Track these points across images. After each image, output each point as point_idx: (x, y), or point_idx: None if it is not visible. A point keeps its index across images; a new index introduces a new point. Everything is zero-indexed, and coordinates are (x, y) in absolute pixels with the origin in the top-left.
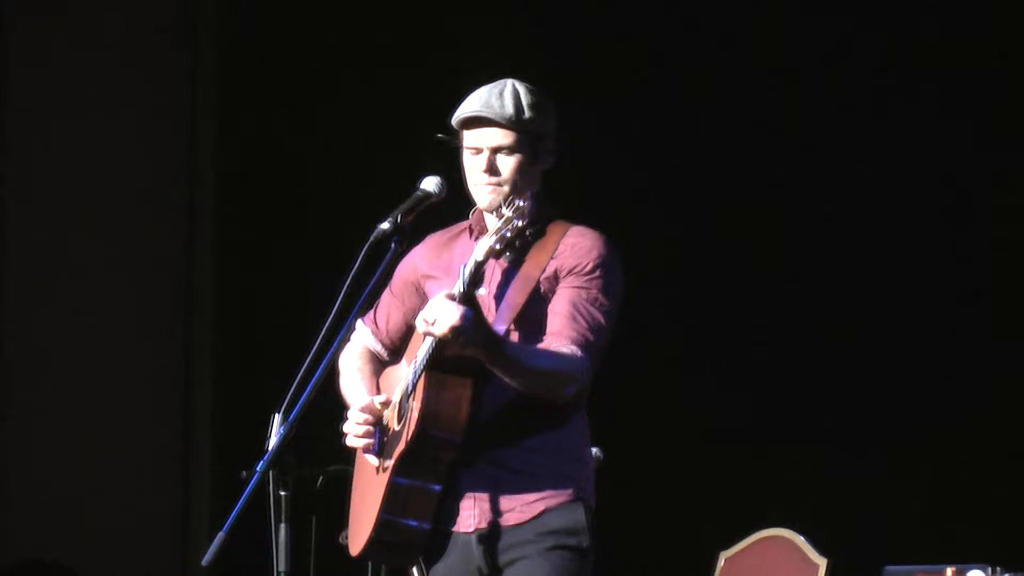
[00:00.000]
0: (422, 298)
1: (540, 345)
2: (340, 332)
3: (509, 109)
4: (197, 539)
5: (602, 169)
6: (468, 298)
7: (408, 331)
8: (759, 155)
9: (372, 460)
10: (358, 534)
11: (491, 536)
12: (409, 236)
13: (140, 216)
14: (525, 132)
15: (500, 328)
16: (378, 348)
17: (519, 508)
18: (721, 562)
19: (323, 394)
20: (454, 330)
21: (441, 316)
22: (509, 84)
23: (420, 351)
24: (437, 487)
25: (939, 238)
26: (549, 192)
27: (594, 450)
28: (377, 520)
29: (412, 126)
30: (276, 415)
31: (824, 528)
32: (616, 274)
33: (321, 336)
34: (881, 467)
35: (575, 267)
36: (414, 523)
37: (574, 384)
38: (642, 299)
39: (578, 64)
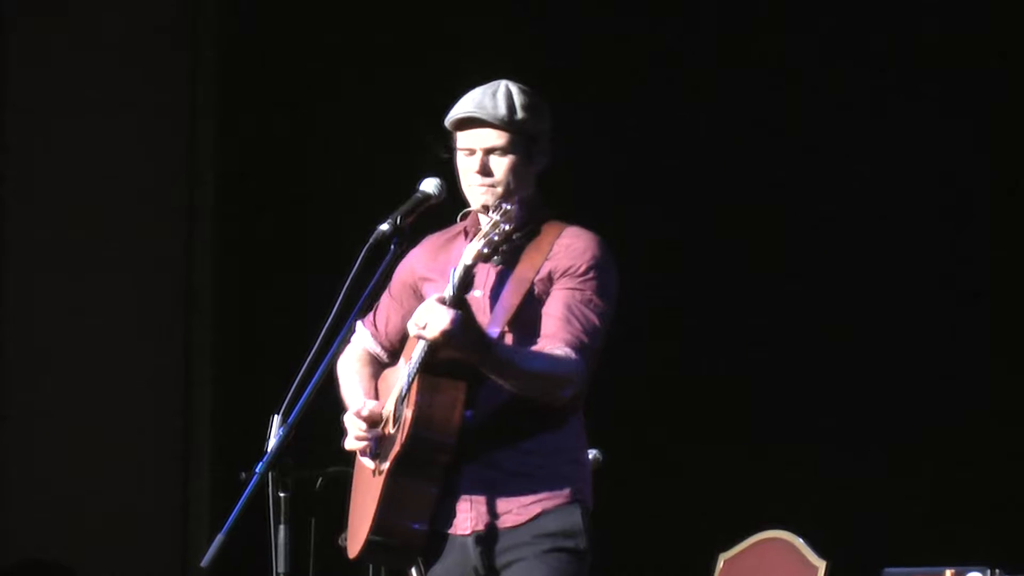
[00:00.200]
0: (420, 300)
1: (534, 347)
2: (340, 334)
3: (502, 110)
4: (196, 540)
5: (602, 169)
6: (458, 302)
7: (407, 333)
8: (759, 155)
9: (368, 463)
10: (356, 536)
11: (488, 538)
12: (409, 238)
13: (140, 216)
14: (518, 133)
15: (494, 330)
16: (377, 350)
17: (516, 510)
18: (720, 564)
19: (322, 396)
20: (445, 334)
21: (432, 320)
22: (503, 85)
23: (414, 354)
24: (433, 489)
25: (939, 238)
26: (549, 192)
27: (593, 451)
28: (374, 522)
29: (412, 126)
30: (275, 416)
31: (823, 530)
32: (611, 275)
33: (320, 338)
34: (880, 468)
35: (569, 268)
36: (411, 525)
37: (569, 387)
38: (641, 299)
39: (578, 64)
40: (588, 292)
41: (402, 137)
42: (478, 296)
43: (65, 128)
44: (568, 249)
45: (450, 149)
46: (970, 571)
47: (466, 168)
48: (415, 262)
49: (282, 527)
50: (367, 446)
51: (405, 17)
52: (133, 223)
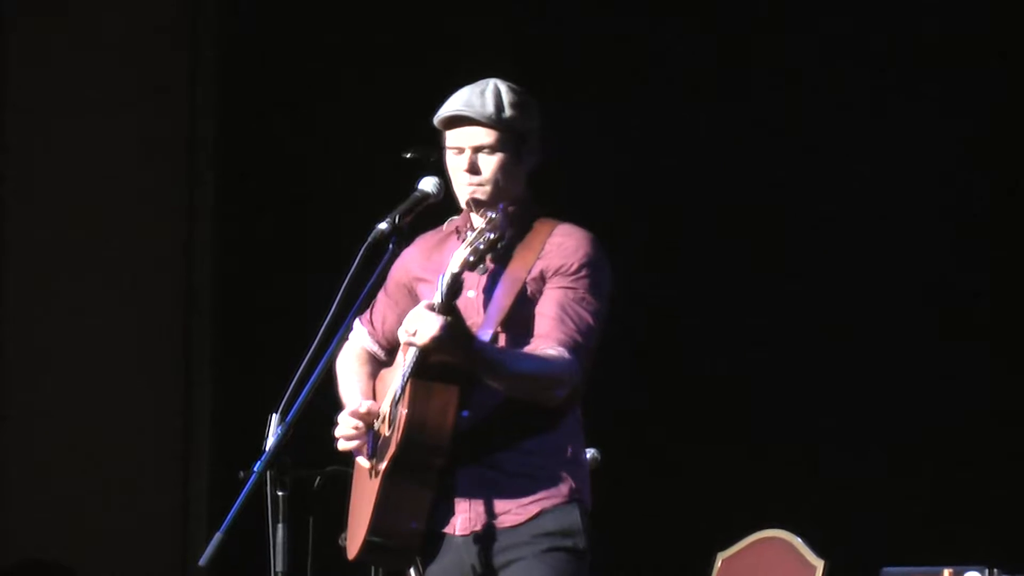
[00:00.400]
0: (415, 300)
1: (527, 348)
2: (338, 332)
3: (490, 107)
4: (196, 539)
5: (601, 169)
6: (447, 308)
7: None
8: (759, 155)
9: (364, 463)
10: (355, 537)
11: (486, 537)
12: (407, 237)
13: (140, 216)
14: (507, 131)
15: (488, 331)
16: (375, 348)
17: (515, 510)
18: (718, 563)
19: (321, 394)
20: (435, 340)
21: (421, 327)
22: (491, 83)
23: (406, 359)
24: (428, 491)
25: (939, 238)
26: (551, 193)
27: (591, 451)
28: (371, 523)
29: (412, 126)
30: (273, 415)
31: (822, 529)
32: (603, 273)
33: (319, 336)
34: (879, 468)
35: (561, 267)
36: (407, 526)
37: (563, 387)
38: (641, 299)
39: (578, 64)
40: (581, 290)
41: (402, 137)
42: (471, 297)
43: (65, 128)
44: (560, 247)
45: (439, 152)
46: (968, 570)
47: (455, 167)
48: (409, 262)
49: (280, 526)
50: (361, 446)
51: (405, 17)
52: (133, 223)
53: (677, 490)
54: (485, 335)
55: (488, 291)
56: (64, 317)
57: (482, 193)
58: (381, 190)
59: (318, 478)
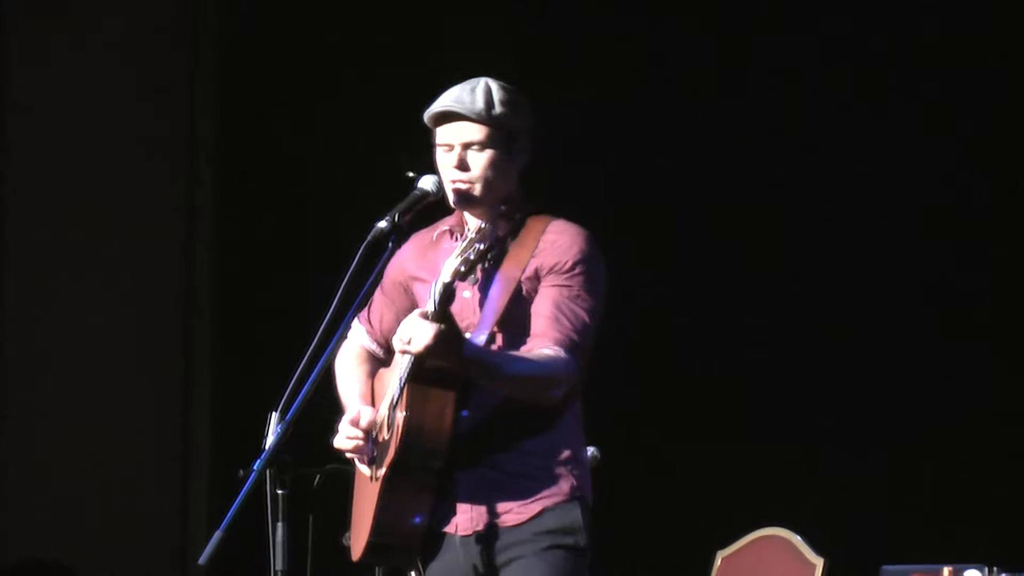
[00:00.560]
0: (411, 298)
1: (524, 348)
2: (337, 331)
3: (479, 104)
4: (196, 539)
5: (601, 168)
6: (441, 316)
7: None
8: (758, 155)
9: (365, 469)
10: (358, 539)
11: (488, 536)
12: (406, 235)
13: (140, 216)
14: (496, 127)
15: (484, 331)
16: (373, 347)
17: (517, 509)
18: (718, 561)
19: (320, 393)
20: (429, 348)
21: (416, 335)
22: (482, 81)
23: (403, 364)
24: (428, 493)
25: (939, 238)
26: (543, 190)
27: (591, 449)
28: (373, 526)
29: (412, 126)
30: (273, 414)
31: (821, 527)
32: (598, 269)
33: (318, 335)
34: (879, 467)
35: (555, 265)
36: (408, 528)
37: (559, 387)
38: (640, 298)
39: (578, 64)
40: (576, 288)
41: (402, 137)
42: (467, 297)
43: (65, 128)
44: (554, 245)
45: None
46: (968, 569)
47: (444, 164)
48: (405, 261)
49: (280, 524)
50: (360, 452)
51: (405, 17)
52: (133, 223)
53: (677, 489)
54: (481, 335)
55: (484, 290)
56: (64, 317)
57: (471, 190)
58: (381, 190)
59: (318, 476)
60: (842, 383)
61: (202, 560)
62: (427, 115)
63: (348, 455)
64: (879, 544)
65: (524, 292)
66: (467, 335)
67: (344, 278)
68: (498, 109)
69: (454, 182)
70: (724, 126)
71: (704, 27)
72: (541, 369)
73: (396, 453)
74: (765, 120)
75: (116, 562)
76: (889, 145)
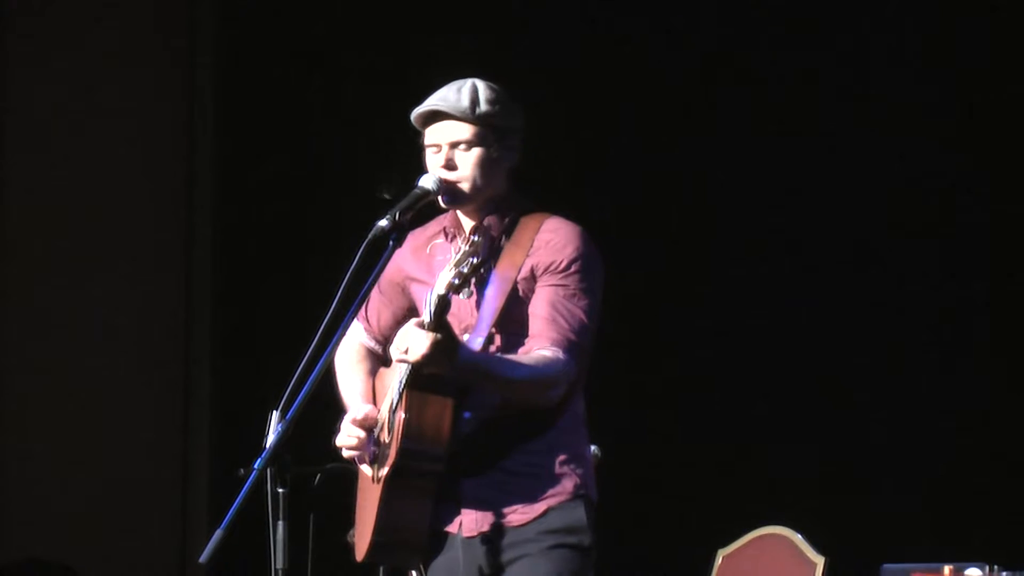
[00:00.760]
0: (408, 298)
1: (522, 349)
2: (338, 330)
3: (465, 102)
4: (196, 537)
5: (601, 169)
6: (437, 326)
7: (399, 328)
8: (758, 155)
9: (366, 470)
10: (361, 539)
11: (493, 537)
12: (407, 234)
13: (140, 216)
14: (484, 126)
15: (482, 332)
16: (372, 344)
17: (521, 509)
18: (719, 560)
19: (321, 392)
20: (425, 358)
21: (412, 344)
22: (469, 81)
23: (401, 368)
24: (430, 495)
25: (938, 237)
26: (547, 189)
27: (592, 448)
28: (375, 527)
29: (412, 127)
30: (273, 413)
31: (822, 526)
32: (594, 267)
33: (319, 334)
34: (880, 465)
35: (551, 265)
36: (410, 529)
37: (557, 388)
38: (641, 297)
39: (578, 64)
40: (572, 287)
41: (402, 137)
42: (464, 298)
43: (65, 129)
44: (548, 245)
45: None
46: (969, 567)
47: (433, 164)
48: (402, 261)
49: (281, 523)
50: (362, 453)
51: (405, 17)
52: (133, 223)
53: (678, 487)
54: (480, 336)
55: (481, 291)
56: (64, 317)
57: (460, 189)
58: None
59: (318, 475)
60: (842, 383)
61: (203, 558)
62: (414, 116)
63: (349, 455)
64: (879, 543)
65: (521, 293)
66: (465, 336)
67: (345, 277)
68: (484, 107)
69: (443, 182)
70: (724, 126)
71: (704, 27)
72: (538, 372)
73: (396, 456)
74: (765, 120)
75: (116, 562)
76: (888, 145)
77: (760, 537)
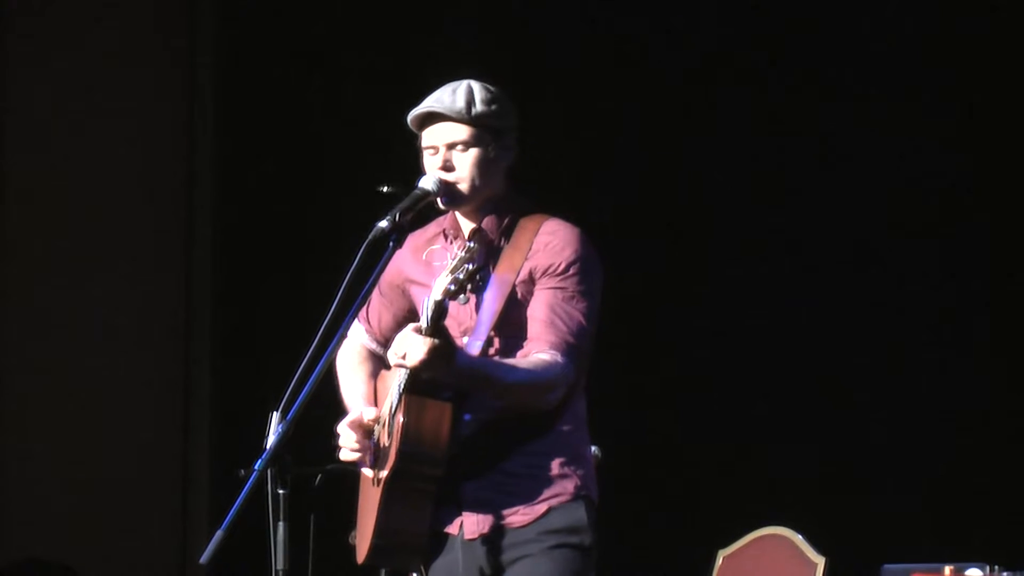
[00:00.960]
0: (408, 300)
1: (520, 352)
2: (338, 331)
3: (460, 103)
4: (196, 538)
5: (600, 169)
6: (434, 331)
7: (399, 329)
8: (759, 155)
9: (367, 472)
10: (362, 541)
11: (494, 538)
12: (407, 234)
13: (140, 216)
14: (480, 126)
15: (481, 335)
16: (373, 346)
17: (523, 510)
18: (719, 560)
19: (321, 392)
20: (423, 363)
21: (410, 350)
22: (464, 82)
23: (401, 373)
24: (430, 497)
25: (938, 237)
26: (546, 190)
27: (592, 448)
28: (375, 529)
29: (409, 129)
30: (274, 413)
31: (822, 526)
32: (593, 269)
33: (319, 335)
34: (880, 465)
35: (549, 267)
36: (410, 532)
37: (556, 391)
38: (642, 297)
39: (578, 64)
40: (571, 290)
41: (402, 138)
42: (463, 303)
43: (65, 128)
44: (547, 247)
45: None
46: (969, 567)
47: (430, 166)
48: (401, 263)
49: (281, 524)
50: (363, 456)
51: (405, 17)
52: (133, 223)
53: (678, 487)
54: (479, 339)
55: (480, 294)
56: (64, 317)
57: (458, 190)
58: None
59: (319, 476)
60: (842, 383)
61: (203, 559)
62: (410, 118)
63: (350, 457)
64: (880, 543)
65: (520, 295)
66: (464, 339)
67: (345, 277)
68: (480, 108)
69: (443, 183)
70: (724, 126)
71: (704, 27)
72: (536, 376)
73: (395, 460)
74: (764, 120)
75: (116, 562)
76: (889, 145)
77: (760, 537)
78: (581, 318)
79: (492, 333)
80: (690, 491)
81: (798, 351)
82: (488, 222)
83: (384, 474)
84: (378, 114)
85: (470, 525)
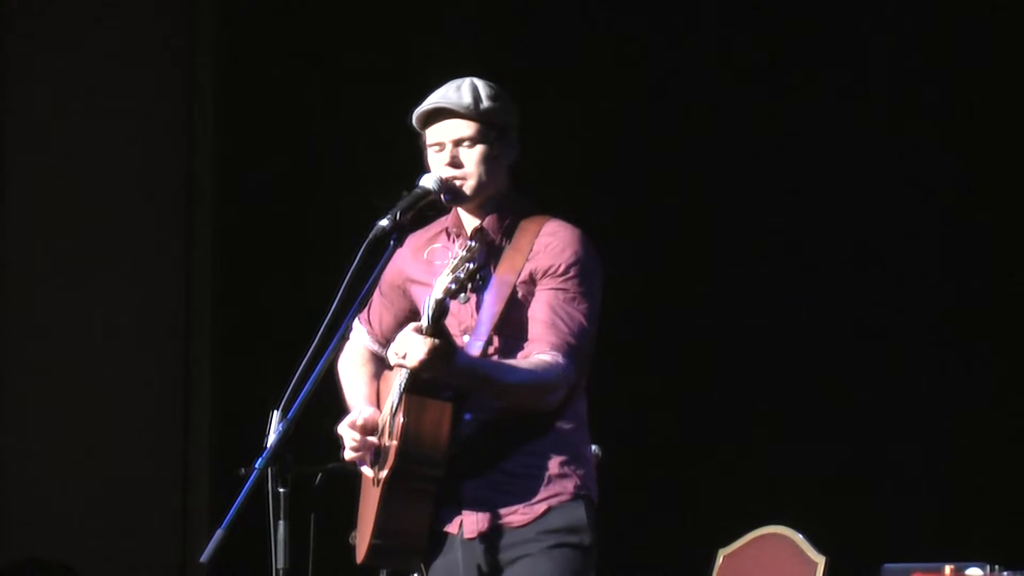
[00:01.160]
0: (409, 300)
1: (521, 353)
2: (339, 330)
3: (467, 99)
4: (196, 536)
5: (601, 169)
6: (435, 331)
7: (400, 329)
8: (759, 155)
9: (368, 472)
10: (362, 540)
11: (493, 537)
12: (408, 233)
13: (140, 216)
14: (485, 122)
15: (481, 336)
16: (374, 347)
17: (522, 510)
18: (720, 559)
19: (322, 391)
20: (423, 363)
21: (411, 350)
22: (467, 79)
23: (401, 373)
24: (429, 497)
25: (938, 237)
26: (546, 190)
27: (592, 448)
28: (375, 529)
29: (412, 128)
30: (274, 412)
31: (823, 526)
32: (593, 270)
33: (319, 334)
34: (881, 465)
35: (549, 268)
36: (410, 532)
37: (556, 392)
38: (642, 297)
39: (578, 64)
40: (572, 291)
41: (402, 138)
42: (463, 302)
43: (65, 129)
44: (548, 248)
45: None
46: (970, 567)
47: (436, 163)
48: (402, 263)
49: (281, 522)
50: (363, 456)
51: (405, 17)
52: (133, 224)
53: (678, 487)
54: (479, 340)
55: (480, 294)
56: (64, 317)
57: (466, 187)
58: (381, 191)
59: (319, 475)
60: (842, 383)
61: (203, 558)
62: (415, 116)
63: (351, 457)
64: (880, 543)
65: (520, 296)
66: (465, 339)
67: (345, 277)
68: (486, 104)
69: (448, 179)
70: (724, 126)
71: (704, 27)
72: (536, 376)
73: (395, 460)
74: (763, 121)
75: (116, 562)
76: (888, 145)
77: (761, 537)
78: (582, 319)
79: (492, 333)
80: (690, 491)
81: (798, 351)
82: (490, 221)
83: (384, 474)
84: (378, 114)
85: (469, 524)
